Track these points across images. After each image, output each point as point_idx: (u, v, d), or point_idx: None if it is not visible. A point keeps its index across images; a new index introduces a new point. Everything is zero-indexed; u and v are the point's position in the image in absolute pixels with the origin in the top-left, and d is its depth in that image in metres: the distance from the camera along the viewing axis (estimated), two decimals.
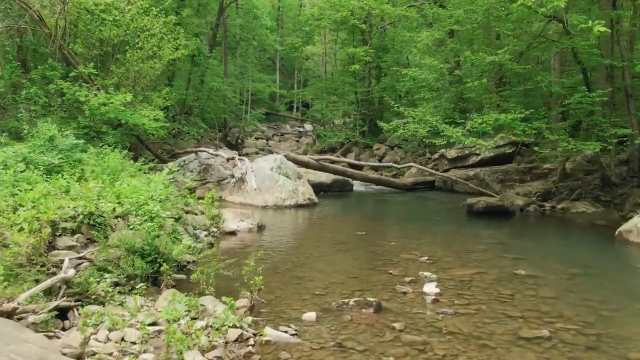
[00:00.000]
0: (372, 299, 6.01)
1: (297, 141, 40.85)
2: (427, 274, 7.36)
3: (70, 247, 6.33)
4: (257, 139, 41.30)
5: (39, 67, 14.70)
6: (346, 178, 17.43)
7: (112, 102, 13.77)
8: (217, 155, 16.32)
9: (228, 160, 16.15)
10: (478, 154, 18.46)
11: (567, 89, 15.59)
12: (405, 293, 6.56)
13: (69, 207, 6.60)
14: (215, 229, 9.67)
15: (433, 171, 18.08)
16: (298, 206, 14.25)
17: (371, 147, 26.56)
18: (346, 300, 6.05)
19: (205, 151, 16.72)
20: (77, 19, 15.23)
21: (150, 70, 16.99)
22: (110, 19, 15.16)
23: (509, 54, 12.49)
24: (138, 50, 15.67)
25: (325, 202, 15.32)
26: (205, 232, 9.24)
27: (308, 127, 48.06)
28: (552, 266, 8.14)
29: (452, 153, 19.10)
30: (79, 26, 15.46)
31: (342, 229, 11.52)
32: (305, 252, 9.01)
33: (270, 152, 16.87)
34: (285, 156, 15.94)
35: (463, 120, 12.95)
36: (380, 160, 25.20)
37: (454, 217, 13.37)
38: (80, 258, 6.11)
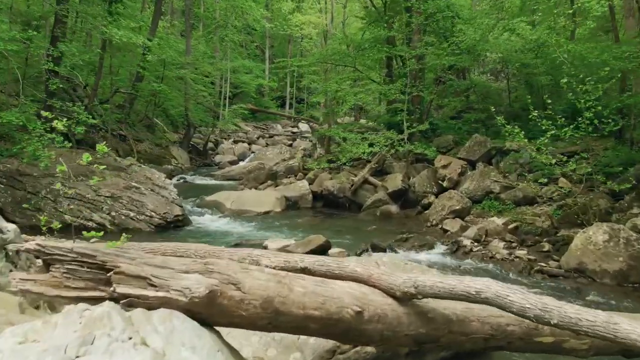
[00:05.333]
0: None
1: (290, 145, 27.24)
2: None
3: None
4: (235, 142, 27.48)
5: None
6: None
7: None
8: None
9: None
10: None
11: None
12: None
13: None
14: None
15: None
16: None
17: (430, 162, 12.61)
18: None
19: None
20: None
21: None
22: None
23: None
24: None
25: None
26: None
27: (304, 127, 34.77)
28: None
29: None
30: None
31: None
32: None
33: None
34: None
35: None
36: (472, 200, 11.10)
37: None
38: None
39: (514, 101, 14.41)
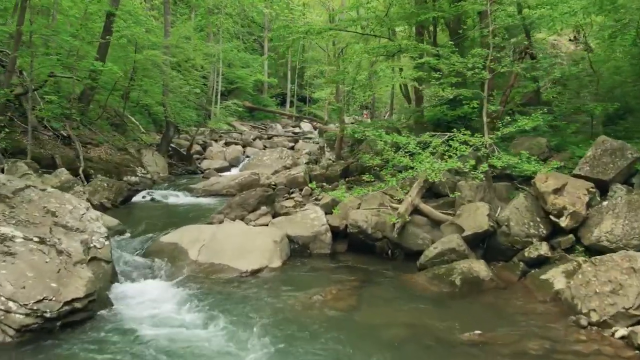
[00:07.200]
0: None
1: (292, 148, 22.37)
2: None
3: None
4: (227, 144, 22.51)
5: None
6: None
7: None
8: None
9: None
10: None
11: None
12: None
13: None
14: None
15: None
16: None
17: (516, 180, 7.47)
18: None
19: None
20: None
21: None
22: None
23: None
24: None
25: None
26: None
27: (306, 127, 30.02)
28: None
29: None
30: None
31: None
32: None
33: None
34: None
35: None
36: None
37: None
38: None
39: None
